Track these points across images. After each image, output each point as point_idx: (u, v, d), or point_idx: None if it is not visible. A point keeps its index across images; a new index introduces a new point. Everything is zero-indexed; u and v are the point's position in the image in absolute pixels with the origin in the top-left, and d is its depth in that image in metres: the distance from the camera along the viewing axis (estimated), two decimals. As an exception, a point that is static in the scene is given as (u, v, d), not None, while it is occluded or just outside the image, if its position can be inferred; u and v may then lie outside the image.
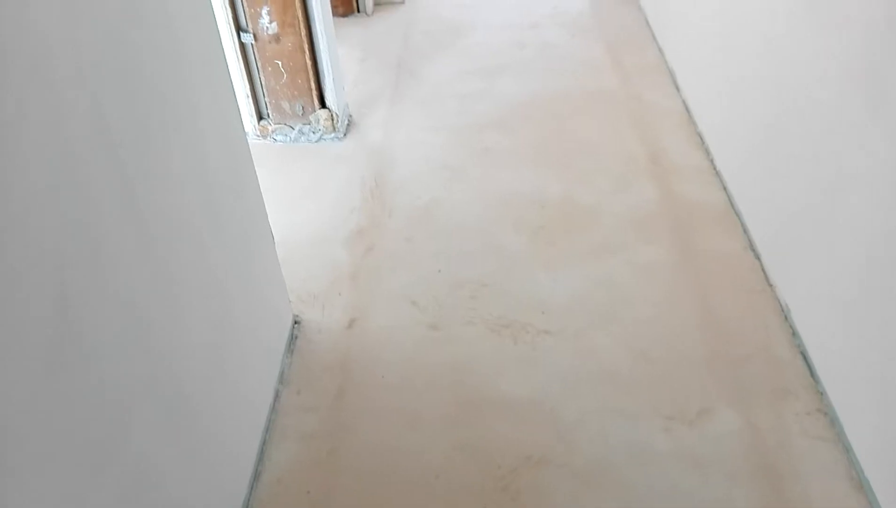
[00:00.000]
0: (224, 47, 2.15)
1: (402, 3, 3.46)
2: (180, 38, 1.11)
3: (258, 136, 2.45)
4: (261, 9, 2.17)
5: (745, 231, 1.97)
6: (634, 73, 2.77)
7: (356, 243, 2.00)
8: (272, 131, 2.44)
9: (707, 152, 2.28)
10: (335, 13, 3.29)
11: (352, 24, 3.29)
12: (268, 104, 2.40)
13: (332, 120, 2.42)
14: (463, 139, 2.42)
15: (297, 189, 2.23)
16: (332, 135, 2.44)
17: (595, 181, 2.19)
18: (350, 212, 2.11)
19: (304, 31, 2.21)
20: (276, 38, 2.23)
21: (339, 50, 2.96)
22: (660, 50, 2.91)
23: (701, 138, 2.35)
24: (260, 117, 2.43)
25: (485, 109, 2.58)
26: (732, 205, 2.06)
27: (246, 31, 2.22)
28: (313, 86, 2.34)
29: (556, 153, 2.33)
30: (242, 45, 2.25)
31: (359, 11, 3.34)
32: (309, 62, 2.28)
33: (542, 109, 2.57)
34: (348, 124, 2.53)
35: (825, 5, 1.50)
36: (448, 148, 2.38)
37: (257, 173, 2.13)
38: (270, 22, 2.19)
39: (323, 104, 2.40)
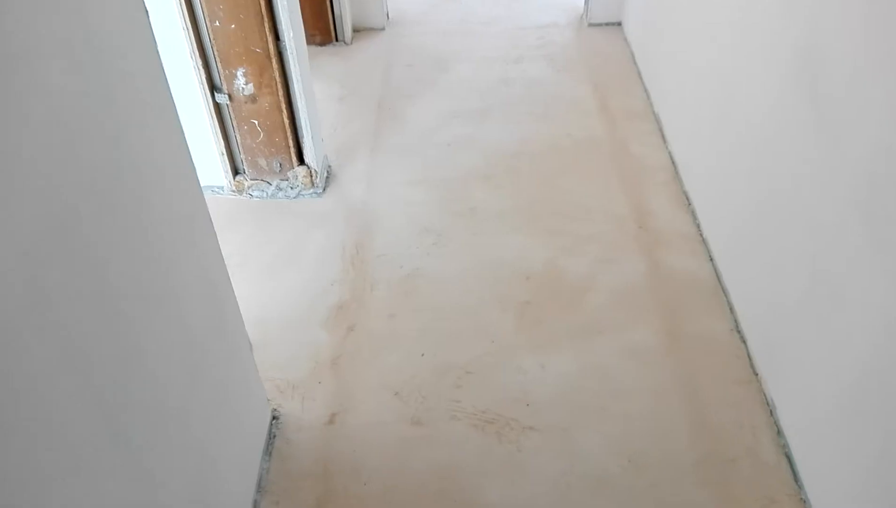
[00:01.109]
0: (198, 105, 2.06)
1: (383, 29, 3.36)
2: (164, 190, 1.04)
3: (234, 191, 2.36)
4: (236, 70, 2.08)
5: (732, 310, 1.94)
6: (621, 118, 2.72)
7: (337, 323, 1.95)
8: (248, 187, 2.36)
9: (694, 216, 2.25)
10: (312, 42, 3.19)
11: (330, 55, 3.19)
12: (244, 161, 2.31)
13: (311, 176, 2.34)
14: (447, 195, 2.36)
15: (275, 256, 2.16)
16: (311, 191, 2.37)
17: (583, 249, 2.15)
18: (330, 285, 2.05)
19: (281, 92, 2.13)
20: (253, 98, 2.14)
21: (316, 86, 2.87)
22: (646, 92, 2.86)
23: (688, 199, 2.32)
24: (235, 172, 2.34)
25: (471, 161, 2.52)
26: (719, 279, 2.03)
27: (221, 92, 2.13)
28: (291, 143, 2.26)
29: (544, 215, 2.28)
30: (217, 105, 2.16)
31: (337, 40, 3.23)
32: (287, 121, 2.20)
33: (529, 162, 2.51)
34: (328, 177, 2.45)
35: (825, 89, 1.46)
36: (432, 206, 2.32)
37: (237, 234, 2.06)
38: (247, 83, 2.10)
39: (301, 161, 2.32)
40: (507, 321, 1.94)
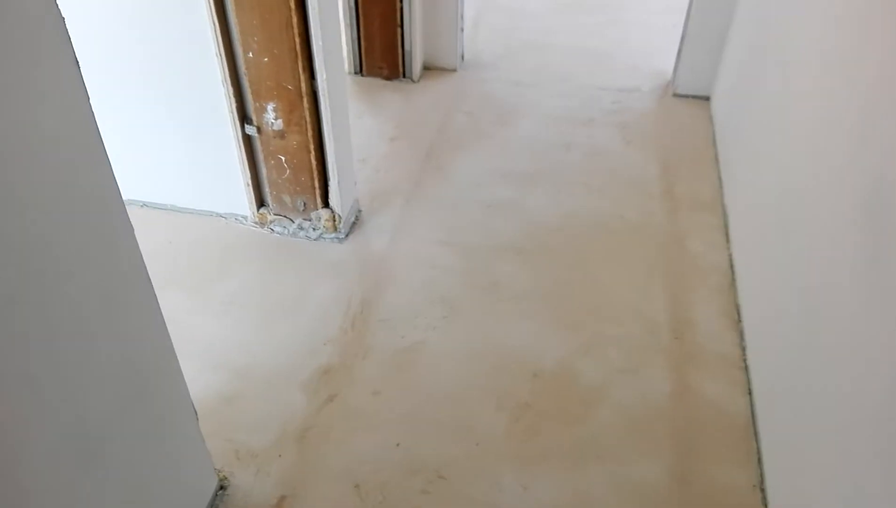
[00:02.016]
0: (228, 133, 1.98)
1: (454, 70, 3.23)
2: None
3: (256, 223, 2.28)
4: (267, 104, 1.99)
5: (760, 461, 1.67)
6: (685, 206, 2.47)
7: (318, 389, 1.81)
8: (270, 222, 2.26)
9: (741, 336, 1.98)
10: (379, 74, 3.10)
11: (393, 91, 3.08)
12: (269, 194, 2.22)
13: (334, 221, 2.22)
14: (473, 264, 2.19)
15: (278, 301, 2.04)
16: (333, 235, 2.25)
17: (604, 351, 1.93)
18: (324, 344, 1.92)
19: (310, 132, 2.02)
20: (282, 134, 2.05)
21: (370, 122, 2.76)
22: (720, 180, 2.59)
23: (738, 314, 2.05)
24: (261, 204, 2.26)
25: (507, 229, 2.34)
26: (754, 419, 1.76)
27: (251, 124, 2.04)
28: (317, 184, 2.15)
29: (570, 305, 2.06)
30: (247, 136, 2.07)
31: (404, 77, 3.13)
32: (314, 162, 2.09)
33: (570, 241, 2.30)
34: (354, 222, 2.33)
35: (892, 226, 1.19)
36: (453, 274, 2.15)
37: (249, 267, 1.96)
38: (276, 118, 2.01)
39: (326, 203, 2.21)
40: (499, 422, 1.74)
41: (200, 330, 1.94)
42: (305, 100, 1.95)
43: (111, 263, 1.05)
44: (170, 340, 1.27)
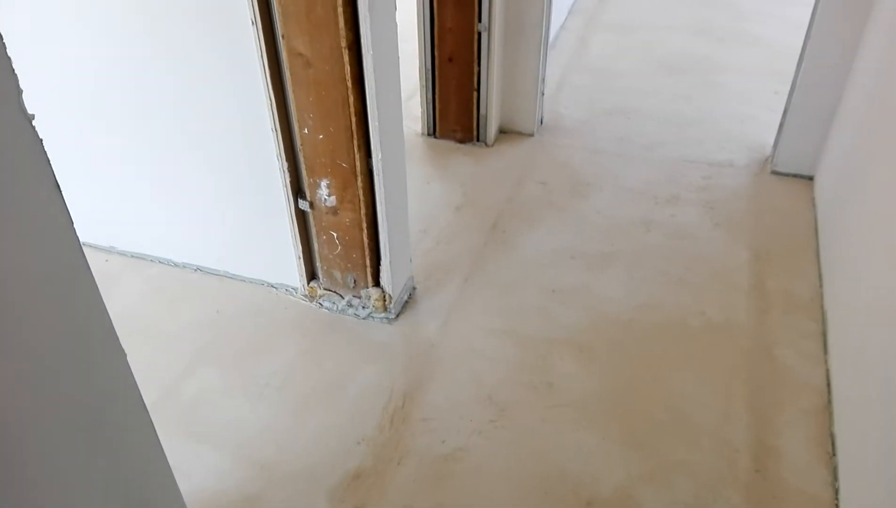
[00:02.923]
0: (282, 205, 1.91)
1: (531, 135, 3.08)
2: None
3: (305, 297, 2.19)
4: (320, 181, 1.90)
5: None
6: (777, 306, 2.19)
7: (345, 497, 1.66)
8: (320, 296, 2.16)
9: (834, 474, 1.69)
10: (452, 137, 2.99)
11: (465, 154, 2.96)
12: (320, 269, 2.13)
13: (384, 301, 2.10)
14: (529, 358, 2.00)
15: (317, 385, 1.93)
16: (383, 315, 2.12)
17: (671, 480, 1.69)
18: (356, 443, 1.78)
19: (364, 210, 1.91)
20: (334, 211, 1.95)
21: (438, 188, 2.64)
22: (820, 278, 2.30)
23: (833, 446, 1.76)
24: (311, 277, 2.17)
25: (570, 319, 2.14)
26: (848, 589, 1.48)
27: (304, 199, 1.96)
28: (368, 263, 2.03)
29: (636, 418, 1.84)
30: (300, 211, 1.99)
31: (478, 140, 3.00)
32: (366, 240, 1.98)
33: (640, 339, 2.08)
34: (407, 301, 2.20)
35: None
36: (505, 369, 1.97)
37: (292, 344, 1.86)
38: (329, 195, 1.92)
39: (377, 282, 2.09)
40: (540, 559, 1.54)
41: (232, 413, 1.85)
42: (360, 178, 1.85)
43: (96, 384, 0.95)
44: (167, 465, 1.16)
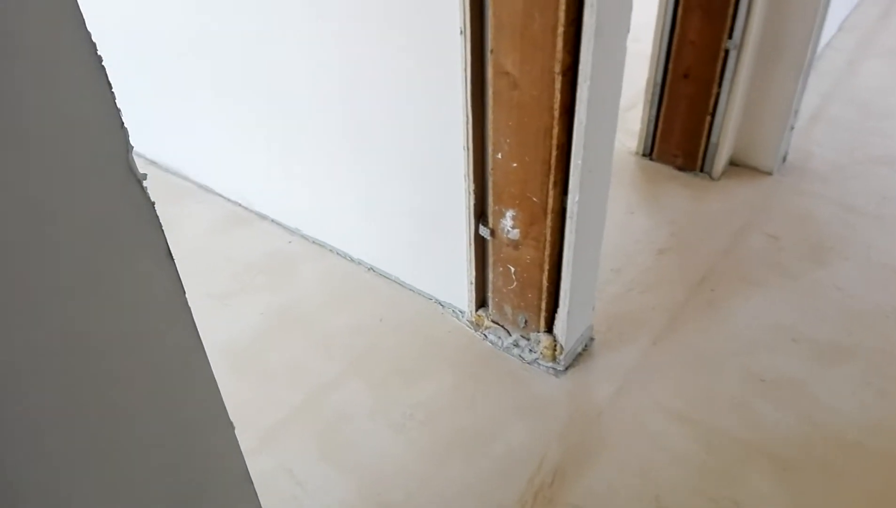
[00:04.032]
0: (462, 226, 1.75)
1: (770, 173, 2.60)
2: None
3: (471, 323, 2.01)
4: (506, 211, 1.69)
5: None
6: None
7: (466, 573, 1.48)
8: (486, 327, 1.98)
9: None
10: (671, 163, 2.63)
11: (682, 185, 2.58)
12: (491, 298, 1.93)
13: (554, 350, 1.86)
14: (714, 464, 1.66)
15: (464, 430, 1.75)
16: (551, 364, 1.88)
17: None
18: (491, 513, 1.58)
19: (548, 251, 1.68)
20: (515, 245, 1.73)
21: (642, 222, 2.33)
22: None
23: None
24: (481, 305, 1.98)
25: (777, 422, 1.74)
26: None
27: (486, 225, 1.77)
28: (544, 307, 1.80)
29: (838, 578, 1.44)
30: (479, 236, 1.81)
31: (702, 171, 2.60)
32: (546, 283, 1.74)
33: (865, 470, 1.63)
34: (581, 353, 1.94)
35: None
36: (683, 469, 1.65)
37: (447, 373, 1.73)
38: (513, 227, 1.70)
39: (549, 329, 1.85)
40: None
41: (371, 440, 1.74)
42: (550, 217, 1.61)
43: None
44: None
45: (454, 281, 1.99)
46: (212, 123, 2.33)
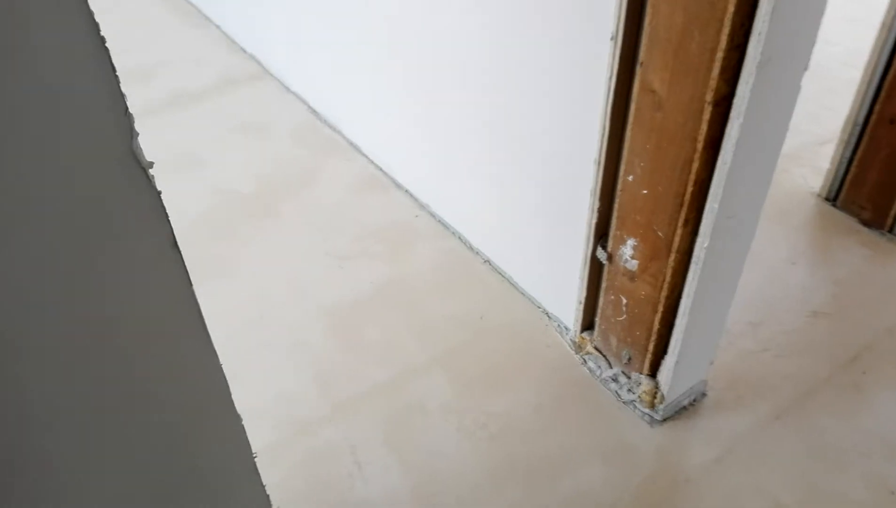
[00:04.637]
0: (580, 241, 1.65)
1: (980, 251, 2.16)
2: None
3: (572, 343, 1.89)
4: (628, 238, 1.53)
5: None
6: None
7: None
8: (587, 352, 1.84)
9: None
10: (856, 215, 2.29)
11: (863, 244, 2.22)
12: (598, 324, 1.79)
13: (654, 397, 1.69)
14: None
15: (532, 455, 1.65)
16: (647, 411, 1.72)
17: None
18: (536, 552, 1.48)
19: (665, 292, 1.51)
20: (632, 276, 1.58)
21: (797, 276, 2.07)
22: None
23: None
24: (587, 327, 1.85)
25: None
26: None
27: (604, 248, 1.62)
28: (651, 349, 1.63)
29: None
30: (595, 257, 1.67)
31: (890, 232, 2.22)
32: (657, 325, 1.58)
33: None
34: (686, 407, 1.75)
35: None
36: (765, 567, 1.44)
37: (532, 391, 1.69)
38: (632, 257, 1.55)
39: (653, 373, 1.68)
40: None
41: (439, 438, 1.69)
42: (673, 256, 1.44)
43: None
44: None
45: (565, 295, 1.87)
46: (368, 83, 2.35)
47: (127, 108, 0.54)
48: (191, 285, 0.67)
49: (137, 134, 0.55)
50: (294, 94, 2.96)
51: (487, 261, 2.16)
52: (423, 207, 2.37)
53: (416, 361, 1.87)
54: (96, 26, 0.49)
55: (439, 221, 2.31)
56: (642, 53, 1.30)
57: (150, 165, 0.58)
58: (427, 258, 2.19)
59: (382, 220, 2.34)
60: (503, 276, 2.11)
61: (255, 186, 2.46)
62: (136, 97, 2.86)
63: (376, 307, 2.02)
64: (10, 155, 0.49)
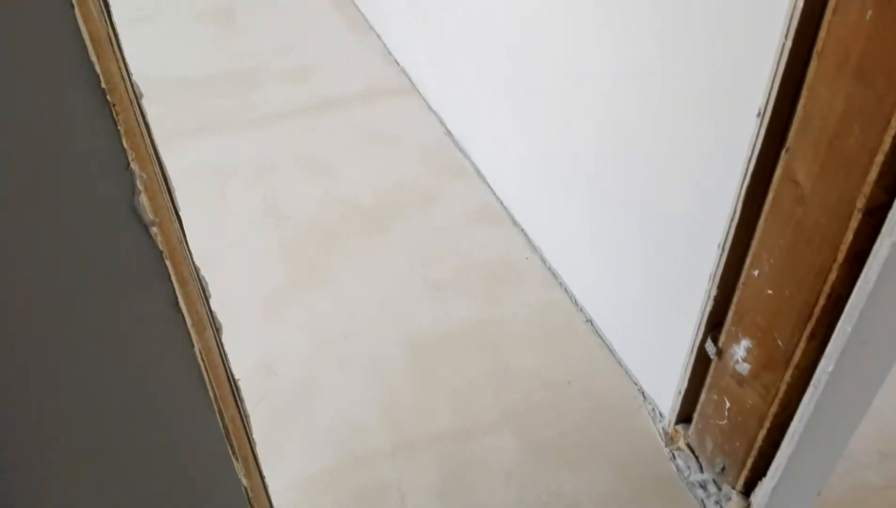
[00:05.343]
0: (690, 325, 1.50)
1: None
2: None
3: (663, 433, 1.70)
4: (742, 338, 1.35)
5: None
6: None
7: None
8: (678, 447, 1.65)
9: None
10: None
11: None
12: (695, 420, 1.60)
13: (744, 519, 1.48)
14: None
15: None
16: (734, 531, 1.51)
17: None
18: None
19: (775, 409, 1.31)
20: (740, 381, 1.38)
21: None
22: None
23: None
24: (683, 419, 1.66)
25: None
26: None
27: (714, 342, 1.44)
28: (749, 465, 1.43)
29: None
30: (703, 349, 1.48)
31: None
32: (760, 442, 1.37)
33: None
34: (782, 537, 1.52)
35: None
36: None
37: (615, 471, 1.58)
38: (744, 360, 1.36)
39: (747, 492, 1.47)
40: None
41: (494, 503, 1.58)
42: (790, 372, 1.24)
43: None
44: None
45: (666, 379, 1.69)
46: (498, 113, 2.28)
47: (129, 163, 0.49)
48: (192, 346, 0.62)
49: (140, 191, 0.51)
50: (434, 112, 2.95)
51: (590, 321, 2.01)
52: (535, 249, 2.26)
53: (489, 414, 1.77)
54: (98, 79, 0.45)
55: (549, 267, 2.19)
56: (790, 138, 1.12)
57: (153, 222, 0.53)
58: (526, 305, 2.08)
59: (490, 255, 2.25)
60: (603, 340, 1.95)
61: (373, 199, 2.46)
62: (285, 98, 2.99)
63: (462, 347, 1.94)
64: (8, 210, 0.47)
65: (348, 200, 2.46)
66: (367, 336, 1.96)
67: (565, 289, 2.11)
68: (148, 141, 0.54)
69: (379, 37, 3.53)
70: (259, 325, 2.00)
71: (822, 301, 1.13)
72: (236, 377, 1.14)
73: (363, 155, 2.70)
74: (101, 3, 0.46)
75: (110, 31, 0.46)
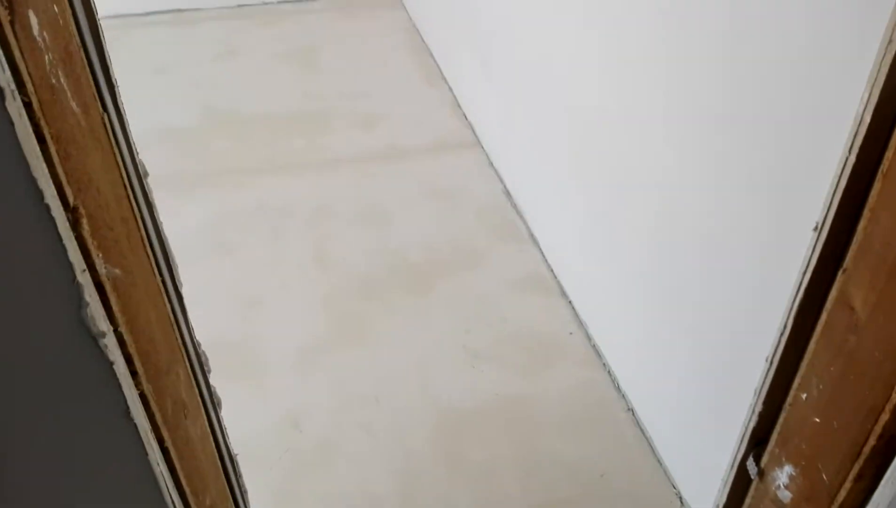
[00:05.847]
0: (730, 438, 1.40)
1: None
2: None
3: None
4: (786, 462, 1.23)
5: None
6: None
7: None
8: (711, 566, 1.52)
9: None
10: None
11: None
12: (731, 540, 1.47)
13: None
14: None
15: None
16: None
17: None
18: None
19: (817, 550, 1.18)
20: (779, 506, 1.26)
21: None
22: None
23: None
24: (719, 536, 1.53)
25: None
26: None
27: (757, 462, 1.32)
28: None
29: None
30: (744, 467, 1.36)
31: None
32: (799, 581, 1.24)
33: None
34: None
35: None
36: None
37: None
38: (785, 486, 1.24)
39: None
40: None
41: None
42: (834, 506, 1.12)
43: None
44: None
45: (706, 487, 1.57)
46: (555, 176, 2.23)
47: (75, 277, 0.48)
48: (146, 455, 0.60)
49: (87, 304, 0.49)
50: (495, 169, 2.93)
51: (631, 410, 1.90)
52: (581, 324, 2.17)
53: (511, 504, 1.68)
54: (41, 195, 0.44)
55: (593, 345, 2.10)
56: (848, 259, 1.02)
57: (102, 334, 0.51)
58: (565, 385, 1.99)
59: (534, 326, 2.18)
60: (643, 434, 1.84)
61: (422, 255, 2.44)
62: (352, 143, 3.03)
63: (492, 425, 1.87)
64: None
65: (398, 253, 2.45)
66: (396, 402, 1.92)
67: (608, 371, 2.01)
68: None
69: (450, 88, 3.56)
70: (292, 375, 1.99)
71: (871, 441, 1.01)
72: (235, 452, 1.11)
73: (419, 208, 2.69)
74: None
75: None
